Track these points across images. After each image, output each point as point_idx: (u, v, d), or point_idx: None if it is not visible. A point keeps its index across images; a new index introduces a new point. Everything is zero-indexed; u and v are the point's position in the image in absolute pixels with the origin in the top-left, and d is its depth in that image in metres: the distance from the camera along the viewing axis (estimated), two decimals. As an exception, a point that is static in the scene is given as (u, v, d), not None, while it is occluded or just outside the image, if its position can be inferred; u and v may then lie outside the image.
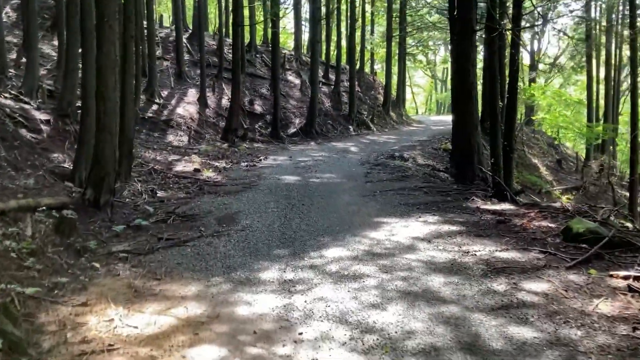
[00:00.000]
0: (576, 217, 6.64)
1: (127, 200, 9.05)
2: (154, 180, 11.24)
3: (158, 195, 10.01)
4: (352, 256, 5.82)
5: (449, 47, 47.63)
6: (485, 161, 19.38)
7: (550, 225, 6.89)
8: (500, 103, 14.82)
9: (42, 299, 4.32)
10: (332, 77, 28.97)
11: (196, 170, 12.42)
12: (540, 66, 37.41)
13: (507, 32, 17.89)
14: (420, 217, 7.68)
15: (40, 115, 11.42)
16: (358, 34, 31.15)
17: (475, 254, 5.75)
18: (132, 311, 4.29)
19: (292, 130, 22.40)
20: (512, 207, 8.27)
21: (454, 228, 6.97)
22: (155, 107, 19.03)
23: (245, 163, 14.24)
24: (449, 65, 53.96)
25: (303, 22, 36.96)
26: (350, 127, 24.92)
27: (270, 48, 24.91)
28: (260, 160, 14.98)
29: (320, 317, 4.20)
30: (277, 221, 7.59)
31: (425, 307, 4.35)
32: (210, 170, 12.73)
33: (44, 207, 6.44)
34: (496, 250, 5.86)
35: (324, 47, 32.76)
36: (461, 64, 10.37)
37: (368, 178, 11.73)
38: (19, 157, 8.61)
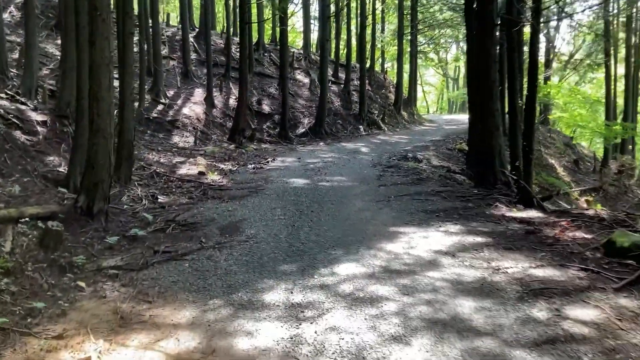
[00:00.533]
0: (618, 229, 5.96)
1: (125, 207, 8.48)
2: (156, 184, 10.68)
3: (159, 200, 9.44)
4: (367, 274, 5.19)
5: (461, 44, 46.85)
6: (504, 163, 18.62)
7: (586, 236, 6.21)
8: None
9: (11, 329, 3.74)
10: (342, 75, 28.33)
11: (200, 174, 11.85)
12: (555, 64, 36.53)
13: (525, 27, 17.18)
14: (440, 226, 7.03)
15: (37, 117, 10.89)
16: (368, 32, 30.49)
17: (507, 272, 5.09)
18: (115, 345, 3.69)
19: (300, 130, 21.80)
20: (540, 214, 7.59)
21: (479, 239, 6.31)
22: (160, 107, 18.52)
23: (252, 165, 13.65)
24: (460, 63, 53.14)
25: (312, 21, 36.34)
26: (360, 126, 24.27)
27: (278, 47, 24.34)
28: (268, 162, 14.39)
29: (333, 353, 3.58)
30: (284, 230, 6.98)
31: (457, 341, 3.70)
32: (216, 173, 12.15)
33: (28, 218, 5.87)
34: (530, 267, 5.20)
35: (333, 46, 32.11)
36: (482, 61, 9.68)
37: (381, 181, 11.08)
38: (9, 161, 8.07)
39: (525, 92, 15.93)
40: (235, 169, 13.21)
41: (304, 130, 21.75)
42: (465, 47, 48.98)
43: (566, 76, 39.07)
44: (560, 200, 15.82)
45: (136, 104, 17.80)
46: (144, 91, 18.13)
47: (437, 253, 5.81)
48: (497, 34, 14.85)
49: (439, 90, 57.81)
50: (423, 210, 8.02)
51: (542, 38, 41.43)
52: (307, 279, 5.04)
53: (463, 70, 54.29)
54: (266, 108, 22.38)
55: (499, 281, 4.84)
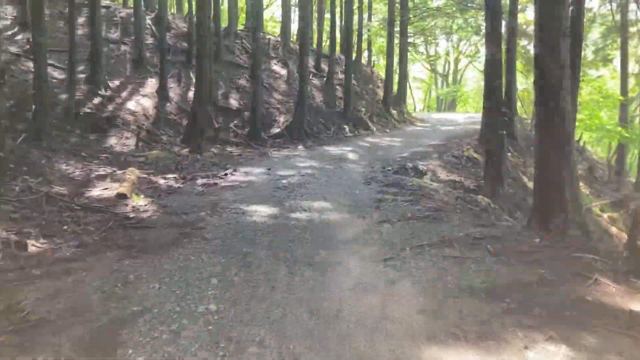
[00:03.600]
0: None
1: (-57, 272, 4.80)
2: (42, 217, 6.96)
3: (29, 250, 5.78)
4: None
5: (453, 37, 43.60)
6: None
7: None
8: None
9: None
10: (325, 67, 24.74)
11: (120, 196, 8.14)
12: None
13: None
14: (527, 346, 3.47)
15: None
16: (354, 20, 26.96)
17: None
18: None
19: (275, 130, 18.13)
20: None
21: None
22: (98, 100, 14.73)
23: (204, 180, 10.00)
24: (450, 58, 49.90)
25: (292, 6, 32.46)
26: (345, 126, 20.70)
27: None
28: (227, 174, 10.75)
29: None
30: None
31: None
32: (143, 195, 8.45)
33: None
34: None
35: (315, 36, 28.49)
36: (547, 34, 6.11)
37: (382, 211, 7.54)
38: None
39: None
40: (178, 185, 9.56)
41: (279, 130, 18.09)
42: (456, 39, 45.91)
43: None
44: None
45: (64, 95, 14.06)
46: (75, 80, 14.32)
47: None
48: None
49: (426, 87, 54.52)
50: (470, 289, 4.45)
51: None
52: None
53: (453, 66, 51.16)
54: (234, 103, 18.68)
55: None
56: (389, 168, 12.38)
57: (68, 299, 4.30)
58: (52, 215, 7.07)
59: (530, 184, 16.73)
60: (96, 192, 8.48)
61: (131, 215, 7.23)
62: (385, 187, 9.70)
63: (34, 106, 11.45)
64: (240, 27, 27.12)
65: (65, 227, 6.63)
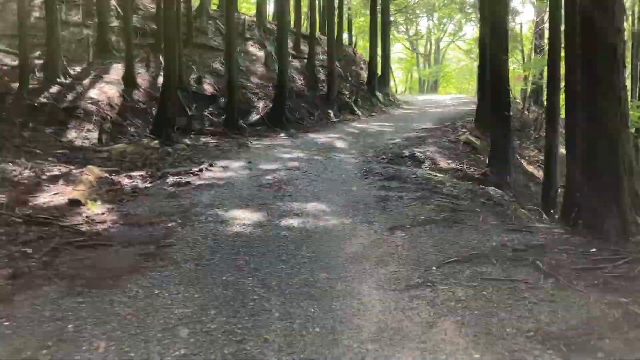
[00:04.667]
0: None
1: None
2: (-30, 235, 5.57)
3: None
4: None
5: (435, 15, 42.41)
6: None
7: None
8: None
9: None
10: (305, 49, 23.26)
11: (72, 204, 6.74)
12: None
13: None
14: None
15: None
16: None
17: None
18: None
19: (254, 117, 16.72)
20: None
21: None
22: (55, 89, 13.16)
23: (175, 178, 8.58)
24: (432, 37, 48.69)
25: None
26: (330, 111, 19.39)
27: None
28: (202, 169, 9.33)
29: None
30: None
31: None
32: (101, 201, 7.05)
33: None
34: None
35: (293, 15, 26.92)
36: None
37: (390, 215, 6.30)
38: None
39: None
40: (144, 186, 8.17)
41: (258, 116, 16.69)
42: (437, 18, 44.68)
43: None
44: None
45: (16, 84, 12.52)
46: (28, 66, 12.81)
47: None
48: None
49: (407, 68, 53.25)
50: (538, 334, 3.21)
51: (520, 7, 37.61)
52: None
53: (434, 45, 49.98)
54: (208, 88, 17.21)
55: None
56: (384, 157, 11.20)
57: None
58: (-15, 231, 5.67)
59: (531, 168, 15.76)
60: (45, 198, 7.06)
61: (83, 229, 5.86)
62: (386, 180, 8.48)
63: None
64: (213, 7, 25.45)
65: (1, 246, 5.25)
